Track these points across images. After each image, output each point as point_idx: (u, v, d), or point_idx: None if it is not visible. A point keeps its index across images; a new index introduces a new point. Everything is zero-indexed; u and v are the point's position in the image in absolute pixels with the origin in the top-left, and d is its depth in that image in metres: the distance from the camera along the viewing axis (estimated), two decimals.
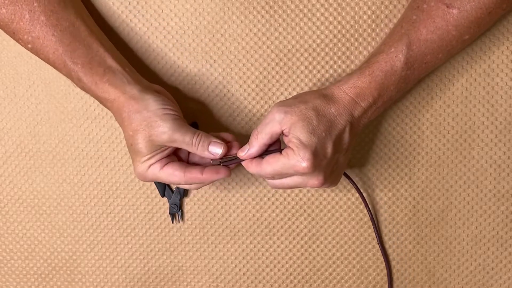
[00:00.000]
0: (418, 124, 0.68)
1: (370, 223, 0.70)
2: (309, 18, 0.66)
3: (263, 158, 0.58)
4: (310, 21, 0.66)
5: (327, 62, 0.66)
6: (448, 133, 0.68)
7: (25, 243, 0.72)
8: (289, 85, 0.67)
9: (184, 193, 0.70)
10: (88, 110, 0.68)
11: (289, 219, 0.70)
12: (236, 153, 0.59)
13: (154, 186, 0.70)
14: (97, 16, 0.65)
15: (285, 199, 0.70)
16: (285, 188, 0.59)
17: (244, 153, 0.58)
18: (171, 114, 0.58)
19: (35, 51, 0.59)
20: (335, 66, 0.66)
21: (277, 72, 0.67)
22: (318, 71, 0.67)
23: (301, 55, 0.66)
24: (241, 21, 0.66)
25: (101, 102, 0.60)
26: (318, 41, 0.66)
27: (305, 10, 0.65)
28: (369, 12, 0.65)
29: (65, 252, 0.72)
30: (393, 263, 0.71)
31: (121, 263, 0.72)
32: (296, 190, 0.70)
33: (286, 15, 0.66)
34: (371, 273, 0.71)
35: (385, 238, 0.70)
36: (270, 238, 0.71)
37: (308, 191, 0.70)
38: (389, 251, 0.71)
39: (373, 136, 0.68)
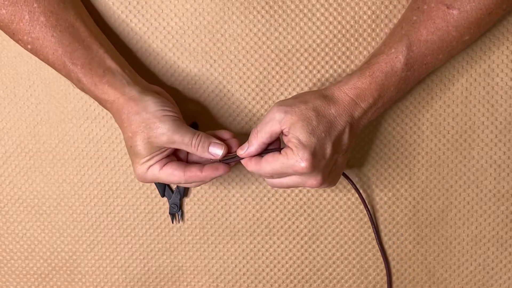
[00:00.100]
0: (418, 124, 0.68)
1: (370, 223, 0.70)
2: (309, 18, 0.66)
3: (262, 156, 0.58)
4: (310, 21, 0.66)
5: (327, 62, 0.66)
6: (448, 133, 0.68)
7: (25, 243, 0.72)
8: (289, 85, 0.67)
9: (184, 193, 0.70)
10: (88, 110, 0.68)
11: (289, 219, 0.70)
12: (235, 151, 0.59)
13: (154, 186, 0.70)
14: (97, 17, 0.65)
15: (285, 199, 0.70)
16: (283, 187, 0.59)
17: (243, 151, 0.58)
18: (170, 115, 0.57)
19: (34, 51, 0.59)
20: (335, 66, 0.66)
21: (277, 72, 0.67)
22: (318, 71, 0.67)
23: (301, 55, 0.66)
24: (241, 21, 0.66)
25: (100, 103, 0.60)
26: (318, 41, 0.66)
27: (305, 10, 0.65)
28: (369, 12, 0.65)
29: (65, 252, 0.72)
30: (393, 263, 0.71)
31: (121, 263, 0.72)
32: (296, 190, 0.70)
33: (286, 15, 0.65)
34: (371, 273, 0.71)
35: (385, 238, 0.70)
36: (270, 238, 0.71)
37: (308, 191, 0.70)
38: (389, 251, 0.71)
39: (373, 136, 0.68)
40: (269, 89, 0.67)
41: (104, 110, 0.68)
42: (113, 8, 0.66)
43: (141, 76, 0.63)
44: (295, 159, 0.55)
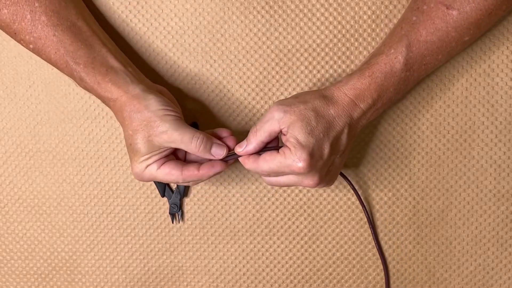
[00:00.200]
0: (418, 124, 0.68)
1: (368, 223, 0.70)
2: (309, 18, 0.65)
3: (260, 154, 0.58)
4: (310, 21, 0.66)
5: (327, 62, 0.66)
6: (448, 133, 0.68)
7: (25, 243, 0.72)
8: (289, 85, 0.67)
9: (184, 193, 0.70)
10: (88, 110, 0.68)
11: (289, 219, 0.70)
12: (233, 149, 0.60)
13: (154, 186, 0.70)
14: (97, 16, 0.65)
15: (285, 199, 0.70)
16: (280, 185, 0.60)
17: (241, 149, 0.59)
18: (171, 115, 0.57)
19: (37, 51, 0.59)
20: (335, 66, 0.66)
21: (277, 72, 0.67)
22: (318, 71, 0.67)
23: (301, 55, 0.66)
24: (241, 21, 0.66)
25: (103, 101, 0.60)
26: (318, 41, 0.66)
27: (305, 10, 0.65)
28: (369, 12, 0.65)
29: (65, 252, 0.72)
30: (393, 263, 0.71)
31: (121, 263, 0.72)
32: (296, 190, 0.70)
33: (286, 15, 0.65)
34: (371, 273, 0.71)
35: (385, 238, 0.70)
36: (270, 238, 0.71)
37: (308, 191, 0.70)
38: (389, 251, 0.71)
39: (373, 136, 0.68)
40: (269, 89, 0.67)
41: (104, 110, 0.68)
42: (113, 8, 0.66)
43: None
44: (293, 158, 0.55)
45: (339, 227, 0.70)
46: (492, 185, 0.69)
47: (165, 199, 0.70)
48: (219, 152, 0.59)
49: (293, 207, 0.70)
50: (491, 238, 0.70)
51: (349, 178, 0.67)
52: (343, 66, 0.66)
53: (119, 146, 0.69)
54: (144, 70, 0.66)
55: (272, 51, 0.66)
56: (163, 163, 0.58)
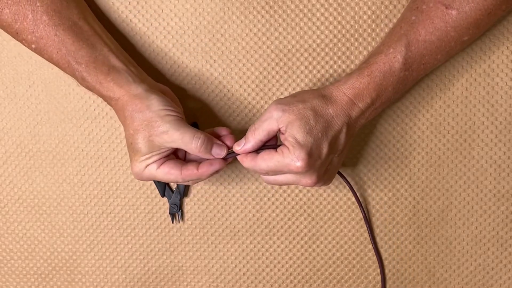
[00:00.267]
0: (418, 124, 0.68)
1: (364, 222, 0.70)
2: (309, 18, 0.66)
3: (259, 153, 0.58)
4: (310, 21, 0.66)
5: (327, 62, 0.66)
6: (448, 133, 0.68)
7: (25, 243, 0.72)
8: (289, 85, 0.67)
9: (184, 193, 0.70)
10: (88, 110, 0.68)
11: (289, 219, 0.70)
12: (231, 147, 0.60)
13: (154, 186, 0.70)
14: (97, 16, 0.65)
15: (285, 199, 0.70)
16: (278, 184, 0.60)
17: (240, 147, 0.59)
18: (172, 115, 0.58)
19: (39, 51, 0.59)
20: (335, 66, 0.66)
21: (277, 72, 0.67)
22: (318, 71, 0.67)
23: (301, 55, 0.66)
24: (241, 21, 0.66)
25: (105, 100, 0.60)
26: (318, 41, 0.66)
27: (305, 10, 0.65)
28: (369, 12, 0.65)
29: (65, 252, 0.72)
30: (393, 263, 0.71)
31: (121, 263, 0.72)
32: (296, 190, 0.70)
33: (286, 15, 0.66)
34: (371, 273, 0.71)
35: (385, 238, 0.70)
36: (270, 238, 0.71)
37: (308, 191, 0.70)
38: (389, 251, 0.71)
39: (373, 136, 0.68)
40: (269, 89, 0.67)
41: (104, 110, 0.68)
42: (113, 8, 0.66)
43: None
44: (291, 158, 0.55)
45: (339, 227, 0.70)
46: (492, 185, 0.69)
47: (165, 199, 0.70)
48: (219, 152, 0.59)
49: (293, 207, 0.70)
50: (491, 238, 0.70)
51: (347, 178, 0.67)
52: (343, 66, 0.66)
53: (119, 146, 0.69)
54: (144, 70, 0.66)
55: (272, 51, 0.66)
56: (163, 163, 0.58)
